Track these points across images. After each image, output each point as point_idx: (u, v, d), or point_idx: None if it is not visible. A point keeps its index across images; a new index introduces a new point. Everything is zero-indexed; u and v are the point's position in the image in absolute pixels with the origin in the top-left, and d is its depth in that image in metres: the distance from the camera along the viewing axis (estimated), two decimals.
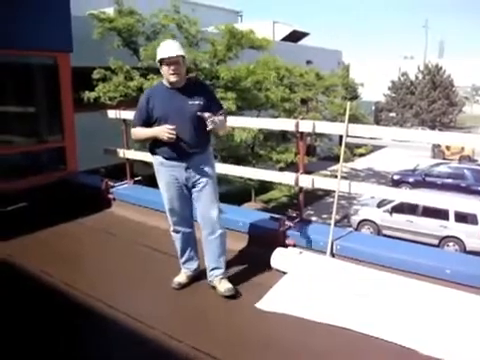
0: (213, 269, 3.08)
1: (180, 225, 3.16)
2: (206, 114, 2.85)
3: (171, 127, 2.84)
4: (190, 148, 2.95)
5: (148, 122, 3.00)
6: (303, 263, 3.28)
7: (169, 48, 2.93)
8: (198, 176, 3.01)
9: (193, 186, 3.04)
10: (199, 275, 3.23)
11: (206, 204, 3.04)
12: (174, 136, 2.85)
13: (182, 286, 3.16)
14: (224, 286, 3.01)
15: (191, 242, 3.22)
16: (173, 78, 2.92)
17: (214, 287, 3.07)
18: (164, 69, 2.94)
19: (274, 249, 3.44)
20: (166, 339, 2.60)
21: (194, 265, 3.24)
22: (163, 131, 2.86)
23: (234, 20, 24.18)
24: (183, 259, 3.22)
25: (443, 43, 72.64)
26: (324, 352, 2.55)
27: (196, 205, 3.09)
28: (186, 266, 3.23)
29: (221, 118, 2.93)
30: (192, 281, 3.20)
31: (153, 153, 3.08)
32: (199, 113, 2.87)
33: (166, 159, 3.01)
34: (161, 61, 2.93)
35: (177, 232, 3.17)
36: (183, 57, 2.95)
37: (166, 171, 3.04)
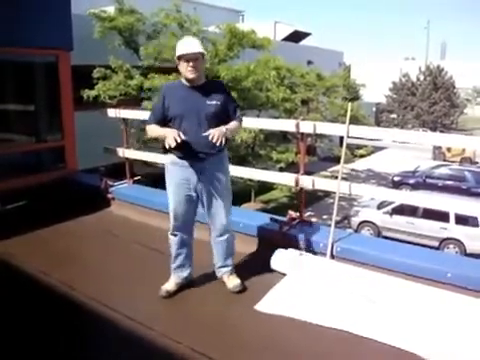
0: (220, 267, 3.18)
1: (180, 230, 3.08)
2: (211, 134, 2.76)
3: (182, 137, 2.74)
4: (205, 149, 2.88)
5: (163, 120, 2.95)
6: (303, 265, 3.26)
7: (189, 44, 2.89)
8: (211, 179, 2.96)
9: (204, 189, 2.98)
10: (191, 281, 3.18)
11: (217, 210, 3.03)
12: (174, 144, 2.72)
13: (170, 294, 3.06)
14: (232, 282, 3.11)
15: (187, 248, 3.13)
16: (191, 75, 2.86)
17: (224, 282, 3.16)
18: (183, 66, 2.87)
19: (274, 250, 3.43)
20: (164, 340, 2.59)
21: (185, 273, 3.15)
22: (171, 135, 2.74)
23: (236, 20, 24.15)
24: (175, 264, 3.13)
25: (445, 45, 72.77)
26: (323, 354, 2.54)
27: (207, 210, 3.05)
28: (177, 273, 3.14)
29: (235, 124, 2.98)
30: (181, 289, 3.11)
31: (166, 151, 2.97)
32: (204, 133, 2.79)
33: (180, 158, 2.94)
34: (180, 57, 2.86)
35: (175, 236, 3.10)
36: (203, 54, 2.91)
37: (178, 171, 2.97)
